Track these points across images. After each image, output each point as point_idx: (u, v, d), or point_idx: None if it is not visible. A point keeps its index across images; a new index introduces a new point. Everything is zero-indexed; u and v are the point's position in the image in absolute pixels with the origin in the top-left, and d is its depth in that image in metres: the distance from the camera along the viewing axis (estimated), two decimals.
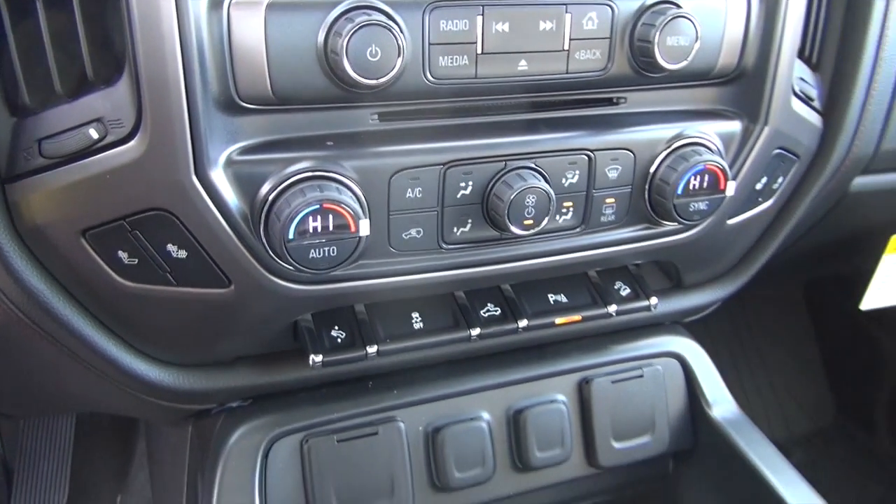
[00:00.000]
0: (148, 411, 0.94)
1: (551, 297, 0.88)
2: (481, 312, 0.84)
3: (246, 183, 0.65)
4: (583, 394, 0.93)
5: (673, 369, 0.97)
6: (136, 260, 0.67)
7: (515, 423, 0.90)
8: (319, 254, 0.66)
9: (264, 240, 0.66)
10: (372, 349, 0.78)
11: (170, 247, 0.66)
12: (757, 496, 0.89)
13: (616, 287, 0.90)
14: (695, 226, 0.84)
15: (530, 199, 0.72)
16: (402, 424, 0.85)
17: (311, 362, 0.76)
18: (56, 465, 1.68)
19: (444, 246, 0.75)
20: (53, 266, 0.69)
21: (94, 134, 0.62)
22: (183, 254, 0.67)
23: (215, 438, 0.81)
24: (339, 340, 0.79)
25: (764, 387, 2.27)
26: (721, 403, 0.97)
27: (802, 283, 2.26)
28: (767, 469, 0.89)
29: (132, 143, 0.62)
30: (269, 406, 0.83)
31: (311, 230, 0.64)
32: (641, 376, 0.95)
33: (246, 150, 0.66)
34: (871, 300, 1.20)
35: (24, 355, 0.80)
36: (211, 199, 0.64)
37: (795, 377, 2.30)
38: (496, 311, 0.85)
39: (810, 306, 2.32)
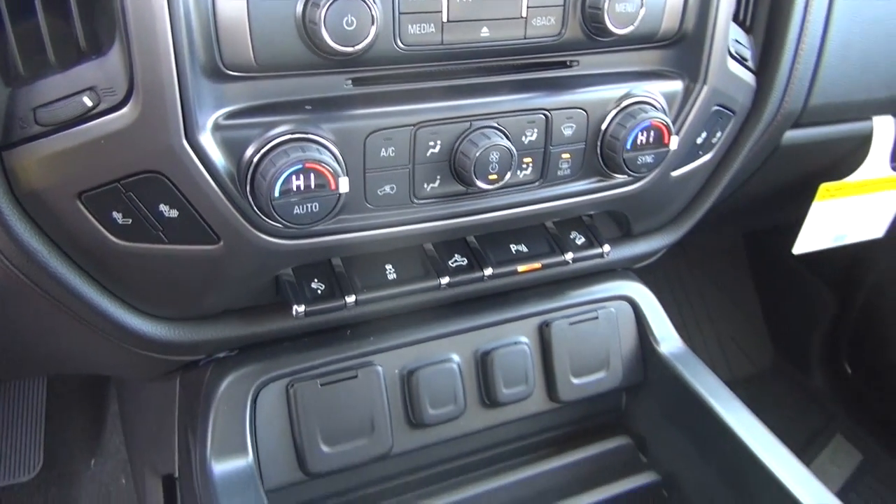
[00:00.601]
0: (138, 367, 0.98)
1: (513, 248, 0.95)
2: (449, 263, 0.91)
3: (232, 145, 0.70)
4: (543, 335, 1.01)
5: (625, 311, 1.06)
6: (130, 220, 0.72)
7: (483, 363, 0.97)
8: (303, 210, 0.72)
9: (251, 198, 0.71)
10: (350, 298, 0.84)
11: (162, 207, 0.71)
12: (702, 422, 0.99)
13: (572, 237, 0.98)
14: (643, 178, 0.92)
15: (494, 156, 0.78)
16: (379, 368, 0.91)
17: (294, 312, 0.82)
18: (29, 431, 1.70)
19: (416, 201, 0.81)
20: (50, 228, 0.73)
21: (87, 102, 0.66)
22: (174, 213, 0.72)
23: (206, 386, 0.86)
24: (319, 292, 0.85)
25: (708, 333, 2.41)
26: (668, 340, 1.06)
27: (742, 234, 2.39)
28: (711, 397, 0.98)
29: (125, 109, 0.66)
30: (256, 355, 0.89)
31: (294, 188, 0.70)
32: (596, 318, 1.03)
33: (231, 115, 0.70)
34: (802, 245, 1.31)
35: (20, 315, 0.84)
36: (200, 161, 0.69)
37: (737, 323, 2.44)
38: (463, 261, 0.92)
39: (750, 256, 2.45)
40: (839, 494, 2.22)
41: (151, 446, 1.10)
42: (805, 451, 2.22)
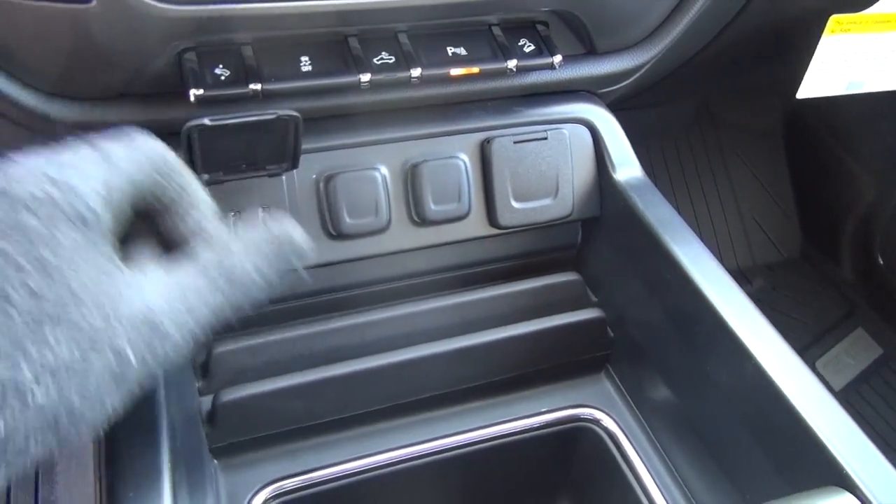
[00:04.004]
0: None
1: (450, 50, 0.86)
2: (374, 60, 0.83)
3: None
4: (484, 153, 0.93)
5: (580, 135, 0.96)
6: None
7: (412, 176, 0.90)
8: None
9: None
10: (255, 86, 0.78)
11: None
12: (652, 257, 0.90)
13: (520, 44, 0.88)
14: None
15: None
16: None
17: (192, 97, 0.76)
18: None
19: None
20: None
21: None
22: None
23: None
24: (222, 78, 0.78)
25: (732, 214, 2.28)
26: (626, 167, 0.96)
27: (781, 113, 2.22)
28: (662, 229, 0.89)
29: None
30: None
31: None
32: (545, 138, 0.94)
33: None
34: (808, 89, 1.17)
35: None
36: None
37: (765, 207, 2.31)
38: (390, 59, 0.83)
39: (787, 138, 2.29)
40: (850, 385, 2.13)
41: None
42: (821, 340, 2.13)
